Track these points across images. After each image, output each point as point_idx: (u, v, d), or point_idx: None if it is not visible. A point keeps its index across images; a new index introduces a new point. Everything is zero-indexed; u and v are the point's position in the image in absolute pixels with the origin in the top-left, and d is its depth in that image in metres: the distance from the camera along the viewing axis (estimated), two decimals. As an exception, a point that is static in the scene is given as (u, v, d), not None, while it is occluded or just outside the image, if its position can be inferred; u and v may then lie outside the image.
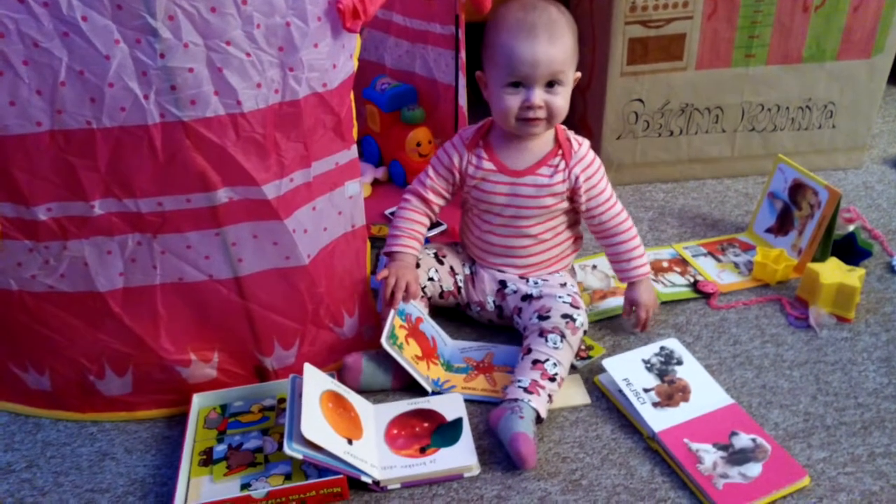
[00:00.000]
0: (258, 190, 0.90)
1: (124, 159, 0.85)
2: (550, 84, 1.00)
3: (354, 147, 0.97)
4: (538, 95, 1.00)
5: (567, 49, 0.99)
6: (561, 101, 1.01)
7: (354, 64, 0.92)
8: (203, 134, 0.85)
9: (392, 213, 1.44)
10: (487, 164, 1.08)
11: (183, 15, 0.79)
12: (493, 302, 1.13)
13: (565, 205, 1.09)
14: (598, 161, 1.09)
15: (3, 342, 0.99)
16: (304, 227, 0.96)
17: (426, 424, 0.97)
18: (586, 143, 1.10)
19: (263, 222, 0.92)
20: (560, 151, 1.07)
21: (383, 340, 1.01)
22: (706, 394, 1.00)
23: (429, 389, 1.03)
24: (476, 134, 1.11)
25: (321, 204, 0.97)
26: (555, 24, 0.99)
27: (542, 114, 1.01)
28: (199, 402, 1.01)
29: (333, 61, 0.90)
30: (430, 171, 1.14)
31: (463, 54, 1.33)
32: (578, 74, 1.04)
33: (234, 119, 0.86)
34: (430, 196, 1.14)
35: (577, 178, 1.07)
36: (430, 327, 1.11)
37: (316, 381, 0.94)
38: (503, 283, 1.13)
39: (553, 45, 0.98)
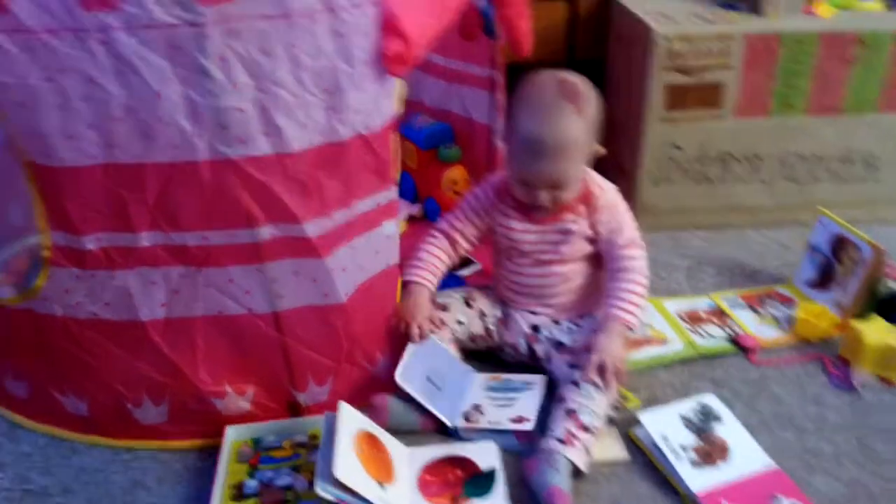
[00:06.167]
0: (300, 228, 0.91)
1: (173, 194, 0.87)
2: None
3: (395, 188, 0.99)
4: (543, 196, 1.05)
5: (573, 158, 1.03)
6: (566, 195, 1.06)
7: (397, 107, 0.94)
8: (250, 172, 0.87)
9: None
10: (513, 213, 1.11)
11: (234, 56, 0.82)
12: (526, 343, 1.13)
13: (590, 248, 1.11)
14: (621, 207, 1.10)
15: (44, 366, 1.01)
16: (343, 266, 0.97)
17: (459, 472, 0.96)
18: (611, 189, 1.11)
19: (304, 260, 0.93)
20: (583, 198, 1.09)
21: (397, 376, 1.01)
22: (746, 454, 0.97)
23: (449, 424, 1.02)
24: (503, 182, 1.13)
25: (360, 243, 0.98)
26: (563, 143, 1.01)
27: (547, 203, 1.06)
28: (232, 434, 1.01)
29: (377, 104, 0.91)
30: (461, 215, 1.16)
31: (501, 95, 1.35)
32: (603, 151, 1.08)
33: (280, 158, 0.87)
34: (458, 238, 1.16)
35: (598, 223, 1.08)
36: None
37: (351, 421, 0.93)
38: (536, 328, 1.12)
39: (556, 164, 1.02)
